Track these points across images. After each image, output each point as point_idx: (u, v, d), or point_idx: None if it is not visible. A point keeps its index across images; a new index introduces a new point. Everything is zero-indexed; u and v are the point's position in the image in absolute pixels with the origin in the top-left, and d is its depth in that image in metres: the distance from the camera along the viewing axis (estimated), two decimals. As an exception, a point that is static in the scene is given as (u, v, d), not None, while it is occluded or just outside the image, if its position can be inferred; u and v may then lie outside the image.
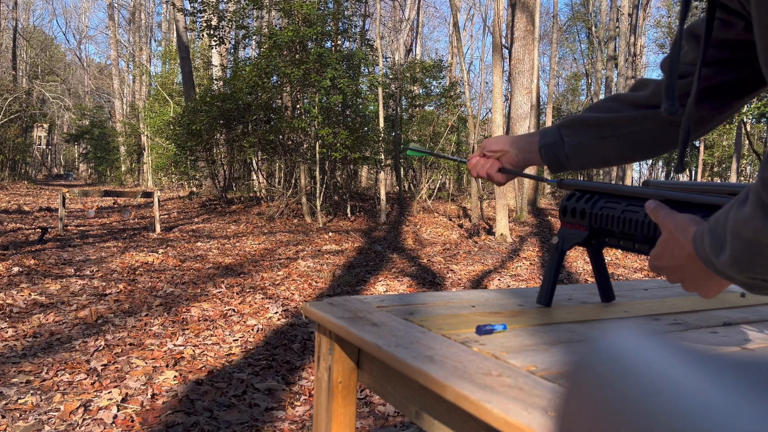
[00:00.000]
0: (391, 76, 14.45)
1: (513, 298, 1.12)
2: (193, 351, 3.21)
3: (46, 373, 2.80)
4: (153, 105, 20.79)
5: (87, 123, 28.37)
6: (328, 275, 5.65)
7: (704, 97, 0.87)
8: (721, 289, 0.70)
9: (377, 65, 12.59)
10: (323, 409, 1.00)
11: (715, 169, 21.28)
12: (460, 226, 10.77)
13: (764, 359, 0.17)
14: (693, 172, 22.14)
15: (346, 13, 11.75)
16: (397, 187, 14.84)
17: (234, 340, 3.45)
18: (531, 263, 7.11)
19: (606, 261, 1.46)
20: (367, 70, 12.83)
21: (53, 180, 27.90)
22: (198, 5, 11.75)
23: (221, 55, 15.71)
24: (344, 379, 0.97)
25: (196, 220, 10.36)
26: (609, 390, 0.17)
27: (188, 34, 15.94)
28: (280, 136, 10.99)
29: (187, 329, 3.61)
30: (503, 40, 13.54)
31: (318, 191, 10.39)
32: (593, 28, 23.79)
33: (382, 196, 11.16)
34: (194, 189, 14.58)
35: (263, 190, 12.78)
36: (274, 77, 11.04)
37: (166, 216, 10.73)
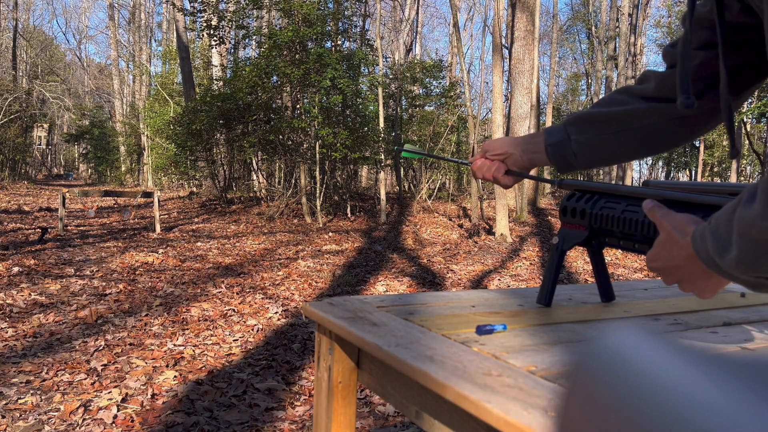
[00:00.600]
0: (391, 76, 14.45)
1: (513, 298, 1.12)
2: (193, 351, 3.21)
3: (46, 373, 2.80)
4: (153, 105, 20.79)
5: (87, 123, 28.37)
6: (328, 275, 5.65)
7: (711, 88, 0.86)
8: (719, 288, 0.71)
9: (377, 65, 12.59)
10: (323, 409, 1.00)
11: (715, 169, 21.27)
12: (460, 226, 10.77)
13: (764, 359, 0.17)
14: (693, 172, 22.14)
15: (346, 13, 11.75)
16: (397, 187, 14.84)
17: (234, 340, 3.45)
18: (531, 263, 7.11)
19: (606, 261, 1.45)
20: (367, 70, 12.83)
21: (53, 180, 27.91)
22: (198, 5, 11.75)
23: (221, 55, 15.71)
24: (344, 379, 0.97)
25: (196, 220, 10.36)
26: (609, 390, 0.17)
27: (188, 34, 15.96)
28: (280, 136, 10.99)
29: (187, 329, 3.61)
30: (503, 40, 13.54)
31: (318, 191, 10.39)
32: (593, 28, 23.79)
33: (382, 196, 11.17)
34: (194, 189, 14.58)
35: (263, 190, 12.78)
36: (274, 77, 11.04)
37: (166, 216, 10.73)
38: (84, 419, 2.34)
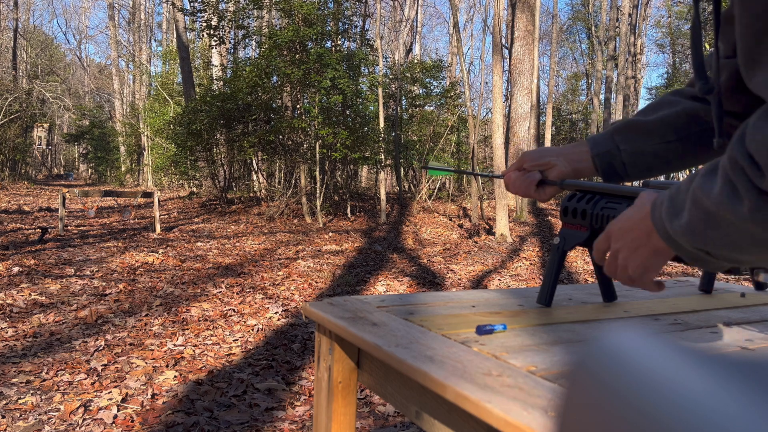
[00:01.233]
0: (391, 76, 14.45)
1: (513, 298, 1.12)
2: (193, 351, 3.21)
3: (46, 373, 2.80)
4: (153, 105, 20.79)
5: (87, 123, 28.37)
6: (328, 275, 5.65)
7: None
8: (650, 266, 0.70)
9: (377, 65, 12.59)
10: (323, 409, 1.00)
11: (715, 169, 21.22)
12: (460, 226, 10.77)
13: (764, 359, 0.17)
14: (692, 172, 22.10)
15: (346, 13, 11.75)
16: (397, 187, 14.84)
17: (234, 340, 3.45)
18: (531, 263, 7.11)
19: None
20: (367, 70, 12.83)
21: (53, 180, 27.89)
22: (198, 5, 11.74)
23: (221, 55, 15.71)
24: (344, 379, 0.97)
25: (196, 220, 10.36)
26: (608, 390, 0.17)
27: (188, 34, 15.95)
28: (280, 136, 10.99)
29: (187, 329, 3.61)
30: (503, 40, 13.55)
31: (318, 191, 10.39)
32: (593, 28, 23.79)
33: (382, 196, 11.17)
34: (194, 189, 14.58)
35: (263, 190, 12.78)
36: (274, 77, 11.04)
37: (166, 216, 10.73)
38: (84, 419, 2.34)
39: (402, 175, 15.05)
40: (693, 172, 0.64)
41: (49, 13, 58.14)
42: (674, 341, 0.18)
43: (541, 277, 1.76)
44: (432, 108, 16.57)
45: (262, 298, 4.53)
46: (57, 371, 2.83)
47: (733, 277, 5.77)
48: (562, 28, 28.97)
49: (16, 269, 5.01)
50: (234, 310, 4.12)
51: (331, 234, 8.88)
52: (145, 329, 3.58)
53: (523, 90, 11.67)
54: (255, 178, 13.76)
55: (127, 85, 28.92)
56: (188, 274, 5.37)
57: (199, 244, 7.36)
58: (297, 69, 9.85)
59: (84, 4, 40.85)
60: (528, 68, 11.67)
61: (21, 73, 28.26)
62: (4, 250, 6.02)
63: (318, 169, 10.45)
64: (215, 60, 15.68)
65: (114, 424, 2.31)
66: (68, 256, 6.02)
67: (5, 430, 2.24)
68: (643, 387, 0.16)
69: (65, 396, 2.55)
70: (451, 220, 11.63)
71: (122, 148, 24.04)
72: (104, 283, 4.74)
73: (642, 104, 30.73)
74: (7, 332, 3.38)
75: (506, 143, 11.59)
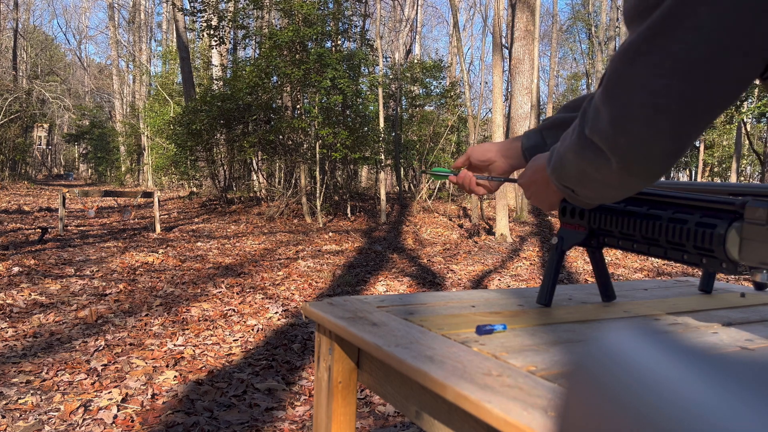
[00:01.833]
0: (391, 76, 14.45)
1: (513, 298, 1.12)
2: (193, 351, 3.21)
3: (46, 373, 2.80)
4: (153, 105, 20.79)
5: (87, 123, 28.38)
6: (328, 275, 5.65)
7: None
8: (553, 202, 0.89)
9: (377, 65, 12.59)
10: (323, 409, 1.00)
11: (715, 169, 21.26)
12: (460, 226, 10.77)
13: (764, 359, 0.17)
14: (693, 172, 22.14)
15: (346, 13, 11.75)
16: (397, 187, 14.84)
17: (234, 340, 3.45)
18: (531, 263, 7.11)
19: (606, 261, 1.45)
20: (367, 70, 12.83)
21: (53, 180, 27.90)
22: (198, 5, 11.74)
23: (221, 55, 15.71)
24: (344, 379, 0.97)
25: (196, 220, 10.36)
26: (607, 390, 0.17)
27: (188, 34, 15.95)
28: (280, 136, 10.99)
29: (187, 329, 3.61)
30: (503, 40, 13.55)
31: (318, 191, 10.39)
32: (593, 28, 23.79)
33: (382, 196, 11.17)
34: (194, 189, 14.58)
35: (263, 190, 12.78)
36: (274, 77, 11.04)
37: (166, 216, 10.73)
38: (84, 419, 2.34)
39: (402, 175, 15.05)
40: None
41: (49, 13, 58.19)
42: (674, 341, 0.18)
43: (541, 277, 1.76)
44: (432, 108, 16.57)
45: (262, 298, 4.53)
46: (57, 371, 2.83)
47: (733, 277, 5.77)
48: (562, 28, 28.98)
49: (16, 269, 5.01)
50: (234, 310, 4.12)
51: (331, 234, 8.88)
52: (145, 329, 3.58)
53: (523, 90, 11.67)
54: (255, 178, 13.76)
55: (127, 85, 28.93)
56: (188, 274, 5.37)
57: (199, 244, 7.36)
58: (297, 69, 9.85)
59: (84, 4, 40.87)
60: (528, 68, 11.67)
61: (21, 73, 28.26)
62: (4, 250, 6.02)
63: (318, 169, 10.45)
64: (215, 60, 15.68)
65: (114, 424, 2.31)
66: (68, 256, 6.02)
67: (5, 430, 2.24)
68: (642, 387, 0.16)
69: (65, 396, 2.55)
70: (451, 220, 11.63)
71: (122, 148, 24.04)
72: (104, 283, 4.74)
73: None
74: (7, 332, 3.38)
75: (506, 143, 11.56)
